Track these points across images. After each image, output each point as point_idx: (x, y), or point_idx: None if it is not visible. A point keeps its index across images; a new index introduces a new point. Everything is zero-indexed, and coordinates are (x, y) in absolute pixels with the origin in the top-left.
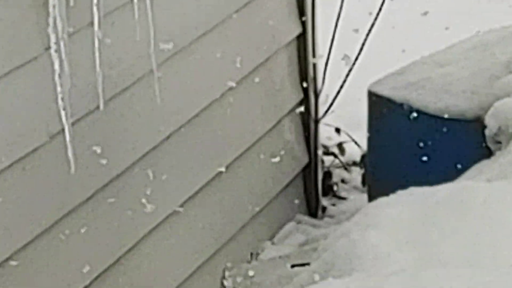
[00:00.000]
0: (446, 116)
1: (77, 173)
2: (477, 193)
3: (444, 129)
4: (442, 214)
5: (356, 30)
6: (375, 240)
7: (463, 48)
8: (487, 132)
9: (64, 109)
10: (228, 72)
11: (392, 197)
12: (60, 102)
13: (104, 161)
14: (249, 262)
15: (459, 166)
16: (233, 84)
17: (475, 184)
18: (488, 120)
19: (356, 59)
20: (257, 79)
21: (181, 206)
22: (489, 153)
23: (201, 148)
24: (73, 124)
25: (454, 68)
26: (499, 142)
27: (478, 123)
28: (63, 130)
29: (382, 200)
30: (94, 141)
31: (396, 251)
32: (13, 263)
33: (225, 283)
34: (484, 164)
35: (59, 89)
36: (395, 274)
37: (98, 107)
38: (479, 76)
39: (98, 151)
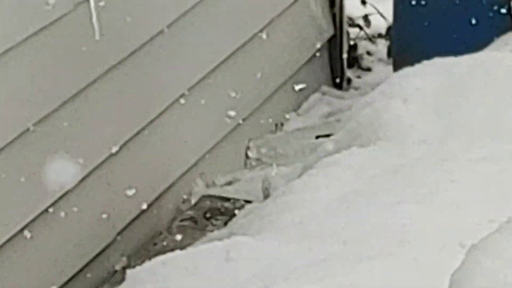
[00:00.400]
0: None
1: (101, 39)
2: (502, 62)
3: (471, 2)
4: (467, 84)
5: None
6: (399, 109)
7: None
8: None
9: None
10: None
11: (417, 67)
12: None
13: (130, 29)
14: (273, 133)
15: (484, 37)
16: None
17: (500, 54)
18: None
19: None
20: None
21: (207, 75)
22: None
23: (227, 19)
24: None
25: None
26: None
27: None
28: None
29: (407, 70)
30: (119, 10)
31: (420, 121)
32: (40, 126)
33: (249, 153)
34: (509, 36)
35: None
36: (419, 142)
37: None
38: None
39: (125, 19)
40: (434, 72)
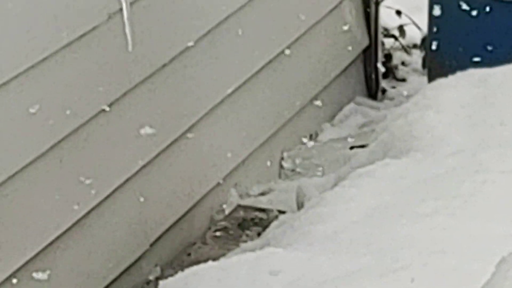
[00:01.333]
0: None
1: (134, 51)
2: None
3: (507, 12)
4: (501, 96)
5: None
6: (433, 121)
7: None
8: None
9: None
10: None
11: (452, 78)
12: None
13: (163, 41)
14: (308, 143)
15: None
16: None
17: None
18: None
19: None
20: None
21: (241, 86)
22: None
23: (262, 28)
24: (132, 3)
25: None
26: None
27: None
28: (121, 9)
29: (441, 82)
30: (153, 21)
31: (453, 132)
32: (76, 136)
33: (284, 163)
34: None
35: None
36: (451, 154)
37: None
38: None
39: (157, 31)
40: (468, 84)
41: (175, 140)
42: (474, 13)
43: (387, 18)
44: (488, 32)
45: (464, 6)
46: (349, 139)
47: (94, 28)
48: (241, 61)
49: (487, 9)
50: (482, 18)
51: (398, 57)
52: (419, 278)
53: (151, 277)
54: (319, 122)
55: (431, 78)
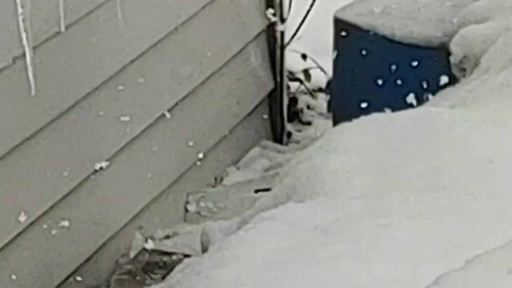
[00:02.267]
0: (411, 43)
1: (38, 96)
2: (441, 118)
3: (409, 56)
4: (405, 140)
5: None
6: (336, 164)
7: None
8: (452, 59)
9: (25, 30)
10: None
11: (355, 122)
12: (21, 23)
13: (67, 84)
14: (213, 186)
15: (423, 93)
16: (198, 9)
17: (439, 110)
18: (453, 47)
19: None
20: (222, 4)
21: (145, 130)
22: (454, 80)
23: (165, 72)
24: (35, 47)
25: None
26: (464, 70)
27: (443, 50)
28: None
29: (345, 125)
30: (56, 65)
31: (357, 176)
32: None
33: (189, 207)
34: (448, 91)
35: (20, 10)
36: (355, 198)
37: (59, 31)
38: (445, 4)
39: (61, 74)
40: (372, 127)
41: (80, 184)
42: (378, 58)
43: (292, 61)
44: (391, 77)
45: (364, 52)
46: (254, 183)
47: None
48: (146, 105)
49: (391, 54)
50: (385, 63)
51: (303, 100)
52: None
53: None
54: (225, 166)
55: (335, 122)
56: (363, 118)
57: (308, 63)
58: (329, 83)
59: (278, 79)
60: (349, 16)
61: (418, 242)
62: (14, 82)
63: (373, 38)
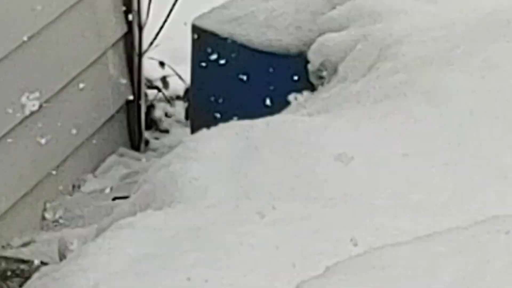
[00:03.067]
0: (269, 51)
1: None
2: (298, 126)
3: (267, 64)
4: (264, 147)
5: None
6: (195, 172)
7: None
8: (310, 67)
9: None
10: (48, 3)
11: (213, 130)
12: None
13: None
14: (70, 194)
15: (281, 101)
16: (55, 17)
17: (296, 118)
18: (311, 55)
19: None
20: (79, 10)
21: (5, 136)
22: (312, 88)
23: (21, 80)
24: None
25: (278, 3)
26: (322, 78)
27: (301, 58)
28: None
29: (203, 133)
30: None
31: (216, 183)
32: None
33: (46, 215)
34: (306, 98)
35: None
36: (214, 205)
37: None
38: (303, 11)
39: None
40: (230, 135)
41: None
42: (236, 66)
43: (150, 69)
44: (250, 84)
45: (221, 60)
46: (111, 190)
47: None
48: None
49: (249, 62)
50: (244, 71)
51: (161, 108)
52: None
53: None
54: (82, 173)
55: (194, 129)
56: (221, 125)
57: (166, 71)
58: (187, 91)
59: (136, 87)
60: (207, 24)
61: (278, 249)
62: None
63: (231, 45)
